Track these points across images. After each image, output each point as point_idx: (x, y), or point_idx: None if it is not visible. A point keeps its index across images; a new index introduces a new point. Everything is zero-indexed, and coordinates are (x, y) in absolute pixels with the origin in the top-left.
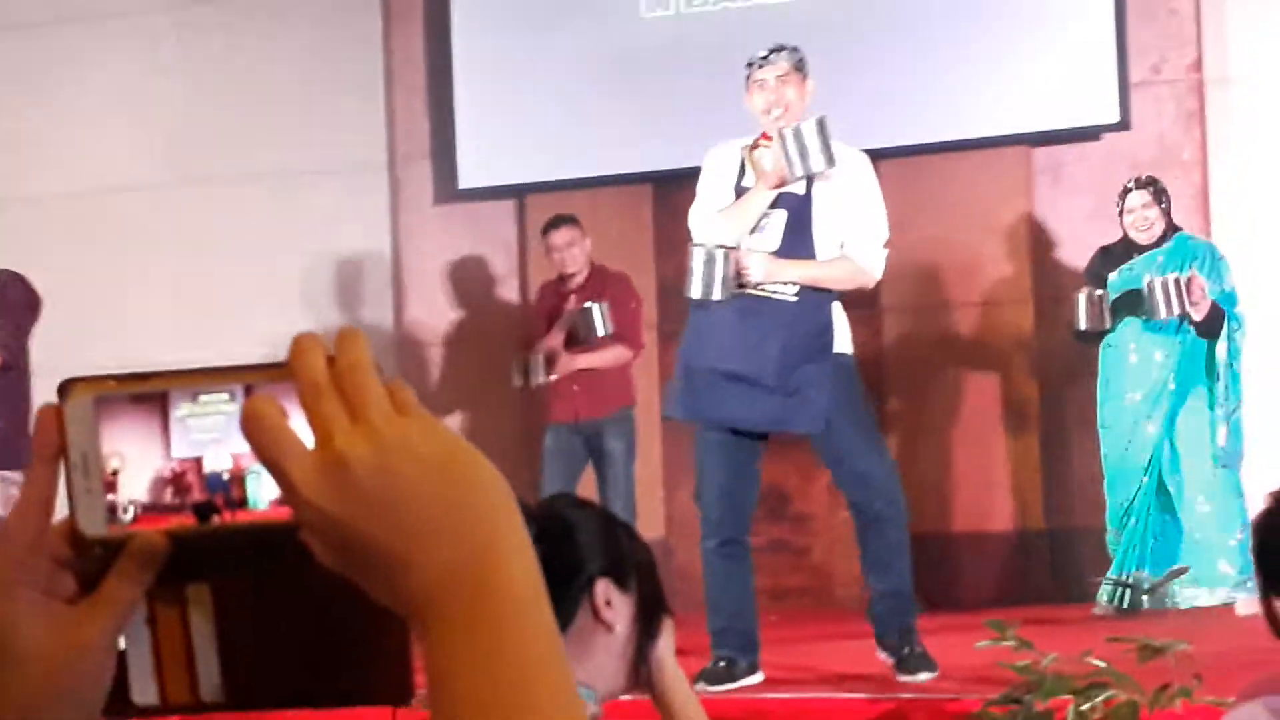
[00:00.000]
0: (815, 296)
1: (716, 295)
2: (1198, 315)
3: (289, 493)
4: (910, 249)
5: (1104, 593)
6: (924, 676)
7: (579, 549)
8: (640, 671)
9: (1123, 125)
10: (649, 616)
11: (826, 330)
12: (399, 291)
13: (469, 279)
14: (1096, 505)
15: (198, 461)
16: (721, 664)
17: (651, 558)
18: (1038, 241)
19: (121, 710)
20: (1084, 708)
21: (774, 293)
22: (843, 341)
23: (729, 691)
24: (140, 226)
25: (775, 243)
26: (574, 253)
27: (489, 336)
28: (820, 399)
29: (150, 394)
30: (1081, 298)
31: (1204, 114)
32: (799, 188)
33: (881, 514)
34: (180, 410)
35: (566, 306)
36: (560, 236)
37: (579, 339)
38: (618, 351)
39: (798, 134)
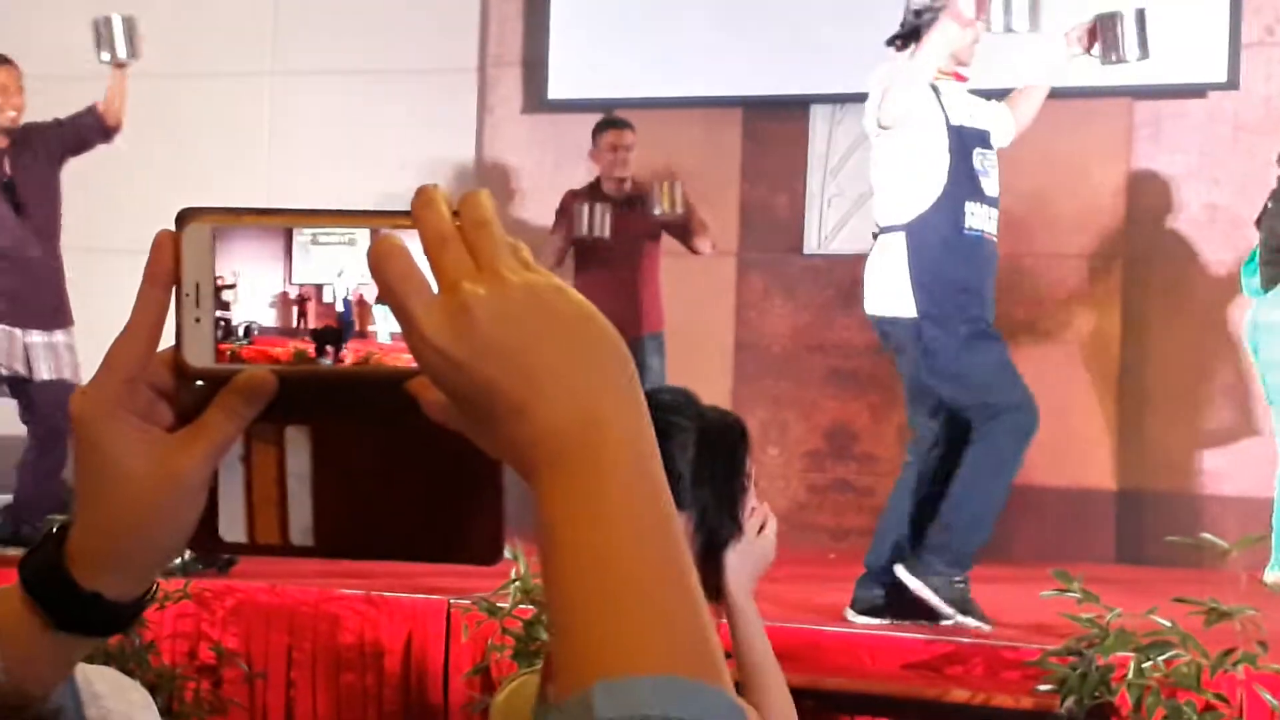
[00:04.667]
0: None
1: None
2: None
3: (411, 333)
4: (1003, 195)
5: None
6: (973, 623)
7: None
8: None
9: (1230, 85)
10: (714, 526)
11: None
12: None
13: (551, 189)
14: (1169, 469)
15: (318, 288)
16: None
17: (726, 460)
18: (1133, 197)
19: (208, 545)
20: (1145, 665)
21: (992, 233)
22: None
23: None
24: (231, 112)
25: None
26: (630, 157)
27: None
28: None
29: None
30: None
31: None
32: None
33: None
34: (303, 235)
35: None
36: (627, 137)
37: (656, 211)
38: (709, 240)
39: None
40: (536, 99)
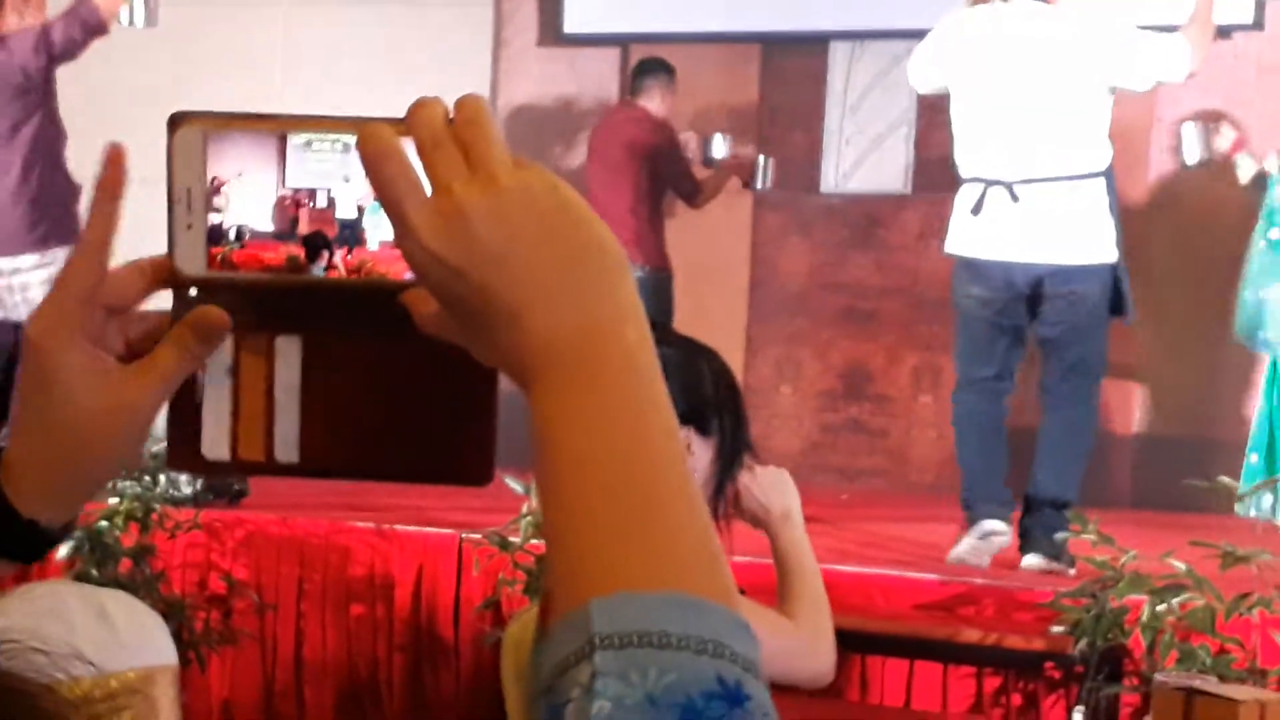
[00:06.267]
0: None
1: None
2: None
3: (405, 236)
4: None
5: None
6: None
7: None
8: (717, 506)
9: (1256, 25)
10: (730, 454)
11: None
12: None
13: (563, 124)
14: (1187, 414)
15: (312, 193)
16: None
17: (735, 389)
18: (1157, 138)
19: (190, 464)
20: (1159, 608)
21: None
22: None
23: None
24: (243, 40)
25: None
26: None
27: (575, 183)
28: None
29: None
30: (1189, 127)
31: None
32: None
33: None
34: (297, 140)
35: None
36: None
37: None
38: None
39: None
40: (552, 32)
